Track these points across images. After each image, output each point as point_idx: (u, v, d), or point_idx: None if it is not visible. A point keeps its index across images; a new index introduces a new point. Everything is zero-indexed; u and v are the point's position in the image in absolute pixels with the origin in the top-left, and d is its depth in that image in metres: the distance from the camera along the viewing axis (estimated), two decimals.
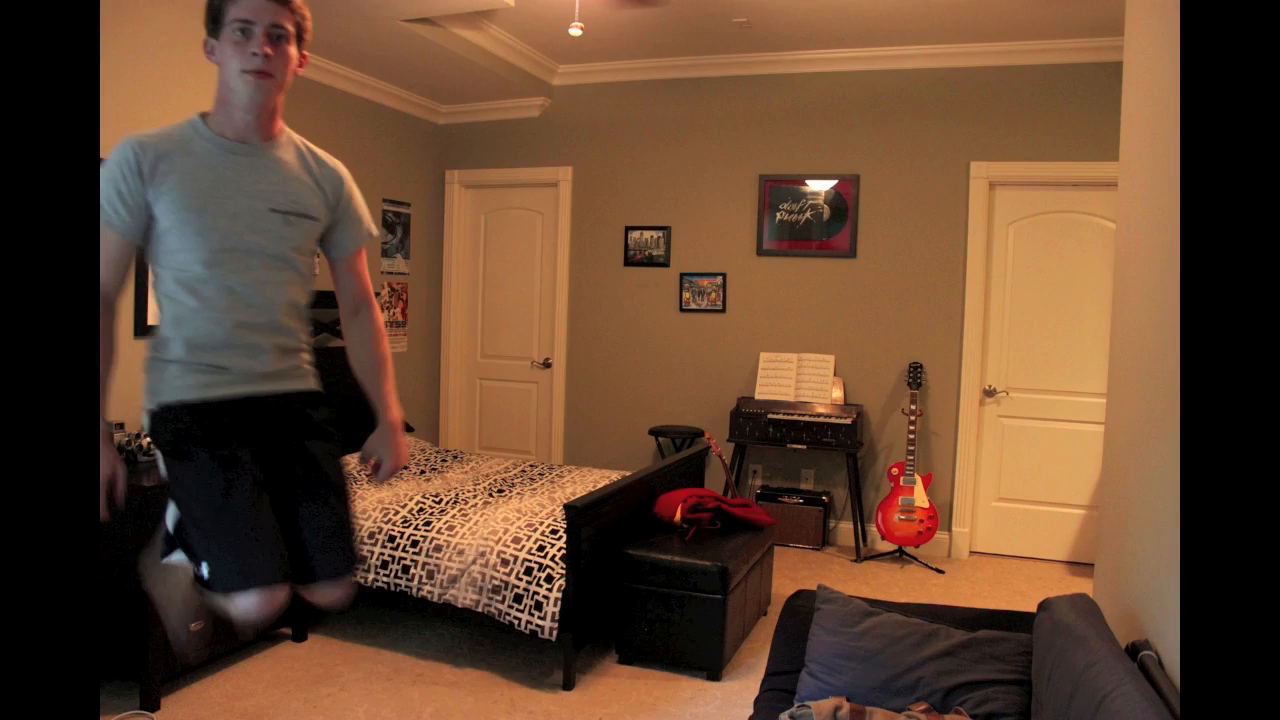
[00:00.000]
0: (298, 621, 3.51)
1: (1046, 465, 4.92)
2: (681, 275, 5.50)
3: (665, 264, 5.54)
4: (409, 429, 4.98)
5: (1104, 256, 4.67)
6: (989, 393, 5.01)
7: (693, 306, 5.49)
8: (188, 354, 1.74)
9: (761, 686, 2.32)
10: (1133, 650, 1.76)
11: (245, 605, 1.71)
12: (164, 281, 1.74)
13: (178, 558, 1.84)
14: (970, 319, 4.93)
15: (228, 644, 3.21)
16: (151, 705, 2.86)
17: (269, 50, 1.67)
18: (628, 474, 3.95)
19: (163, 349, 1.76)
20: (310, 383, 1.92)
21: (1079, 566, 4.80)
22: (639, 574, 3.34)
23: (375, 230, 2.02)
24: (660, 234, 5.54)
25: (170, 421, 1.75)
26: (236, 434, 1.77)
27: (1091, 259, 4.77)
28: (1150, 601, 1.84)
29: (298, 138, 1.89)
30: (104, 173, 1.65)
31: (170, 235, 1.70)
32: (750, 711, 2.25)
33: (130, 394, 3.32)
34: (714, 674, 3.27)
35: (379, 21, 4.20)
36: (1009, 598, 4.30)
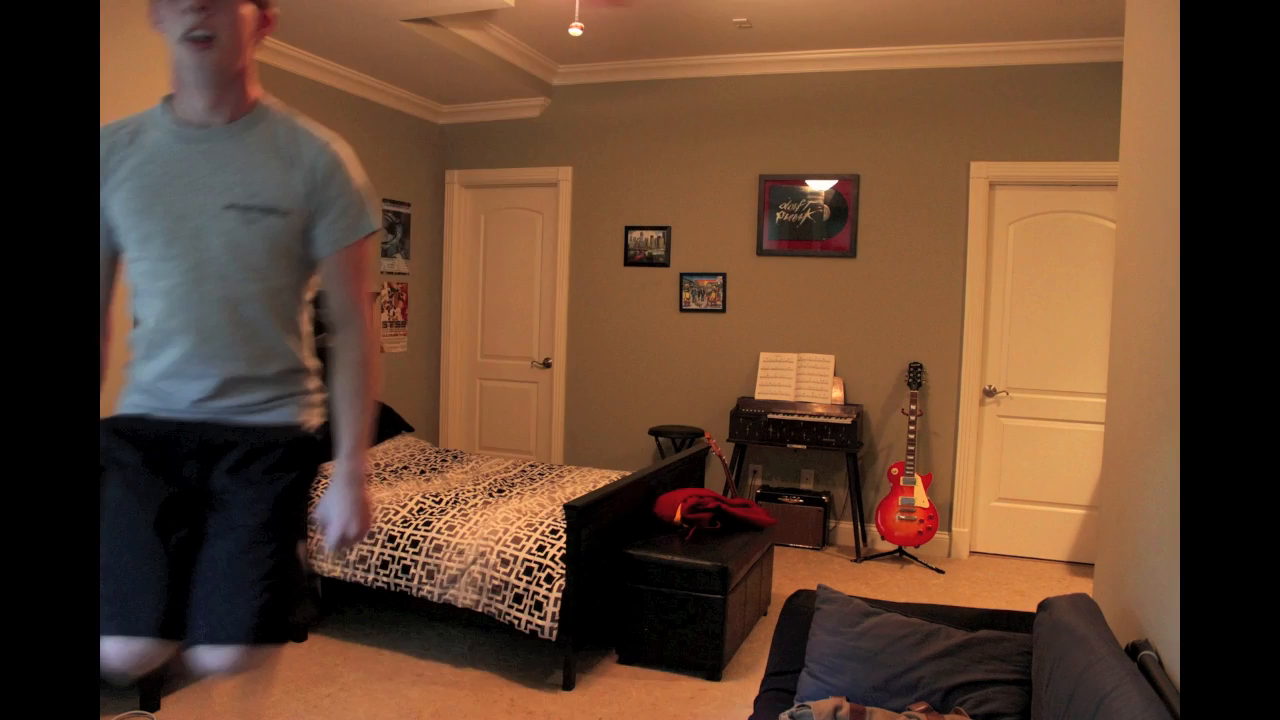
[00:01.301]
0: (298, 622, 3.51)
1: (1046, 465, 4.92)
2: (681, 275, 5.50)
3: (665, 264, 5.53)
4: (408, 429, 4.98)
5: (1104, 256, 4.67)
6: (989, 393, 5.01)
7: (693, 306, 5.49)
8: (135, 370, 1.53)
9: (761, 686, 2.32)
10: (1133, 650, 1.76)
11: (105, 650, 1.43)
12: (131, 281, 1.53)
13: None
14: (970, 319, 4.93)
15: None
16: (151, 705, 2.86)
17: (205, 7, 1.35)
18: (628, 474, 3.95)
19: (132, 354, 1.56)
20: (283, 417, 1.56)
21: (1079, 566, 4.80)
22: (639, 574, 3.34)
23: (374, 223, 1.58)
24: (660, 234, 5.54)
25: (106, 429, 1.53)
26: (165, 459, 1.51)
27: (1091, 259, 4.77)
28: (1150, 601, 1.84)
29: (281, 111, 1.54)
30: None
31: (125, 239, 1.48)
32: (750, 711, 2.25)
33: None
34: (714, 674, 3.27)
35: (379, 21, 4.19)
36: (1009, 598, 4.30)
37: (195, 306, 1.46)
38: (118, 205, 1.45)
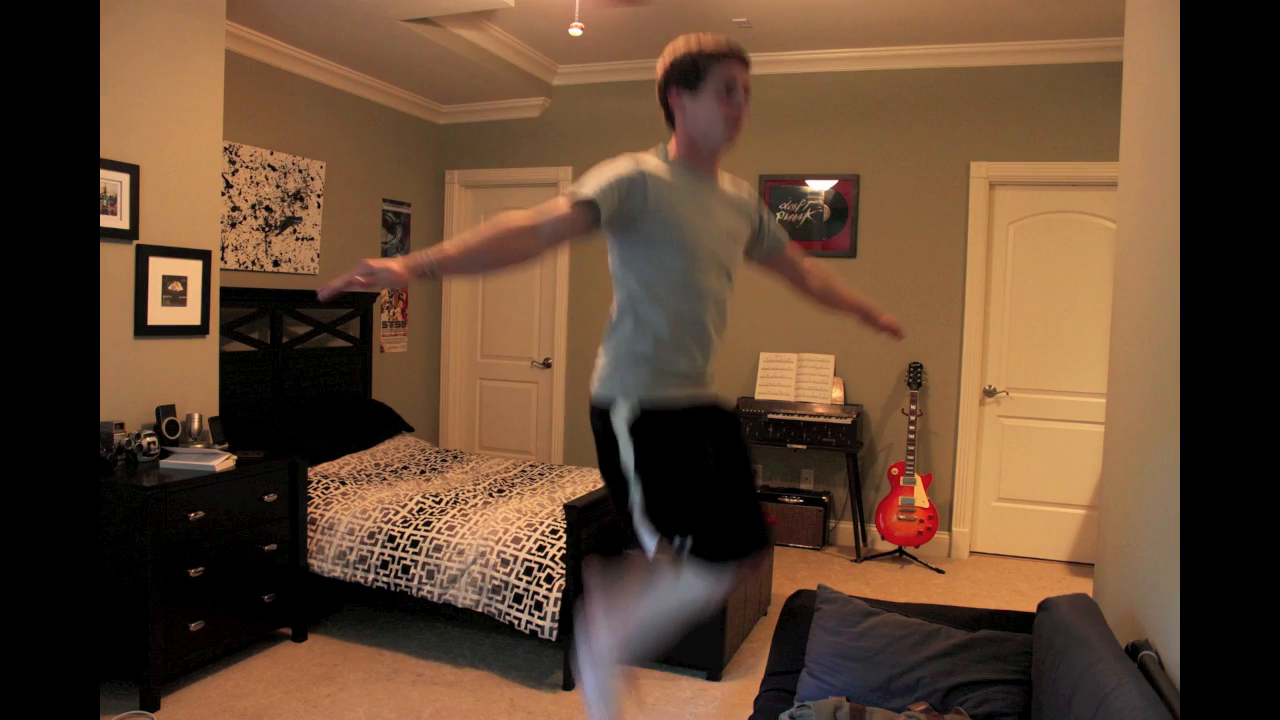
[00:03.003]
0: (298, 621, 3.51)
1: (1046, 465, 4.92)
2: None
3: None
4: (408, 429, 4.98)
5: (1104, 256, 4.67)
6: (989, 393, 5.01)
7: None
8: (654, 352, 2.03)
9: (761, 686, 2.32)
10: (1133, 650, 1.76)
11: (721, 580, 1.98)
12: (650, 286, 2.05)
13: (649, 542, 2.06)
14: (970, 319, 4.93)
15: (228, 644, 3.21)
16: (151, 705, 2.86)
17: (745, 105, 2.07)
18: None
19: (636, 347, 2.05)
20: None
21: (1079, 566, 4.80)
22: None
23: (785, 236, 2.42)
24: None
25: (644, 413, 2.00)
26: (696, 426, 2.05)
27: (1091, 259, 4.77)
28: (1150, 601, 1.84)
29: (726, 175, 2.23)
30: (610, 171, 1.97)
31: (659, 246, 2.01)
32: (750, 711, 2.25)
33: (130, 393, 3.33)
34: (714, 674, 3.27)
35: (379, 21, 4.19)
36: (1009, 598, 4.30)
37: (697, 299, 2.05)
38: (662, 222, 1.98)
